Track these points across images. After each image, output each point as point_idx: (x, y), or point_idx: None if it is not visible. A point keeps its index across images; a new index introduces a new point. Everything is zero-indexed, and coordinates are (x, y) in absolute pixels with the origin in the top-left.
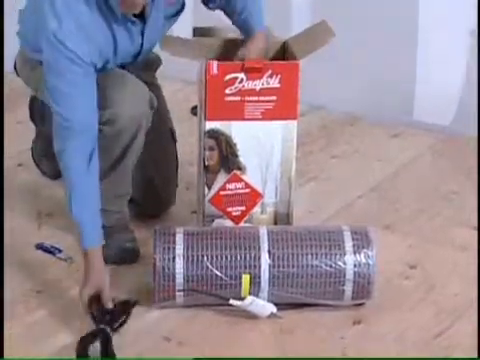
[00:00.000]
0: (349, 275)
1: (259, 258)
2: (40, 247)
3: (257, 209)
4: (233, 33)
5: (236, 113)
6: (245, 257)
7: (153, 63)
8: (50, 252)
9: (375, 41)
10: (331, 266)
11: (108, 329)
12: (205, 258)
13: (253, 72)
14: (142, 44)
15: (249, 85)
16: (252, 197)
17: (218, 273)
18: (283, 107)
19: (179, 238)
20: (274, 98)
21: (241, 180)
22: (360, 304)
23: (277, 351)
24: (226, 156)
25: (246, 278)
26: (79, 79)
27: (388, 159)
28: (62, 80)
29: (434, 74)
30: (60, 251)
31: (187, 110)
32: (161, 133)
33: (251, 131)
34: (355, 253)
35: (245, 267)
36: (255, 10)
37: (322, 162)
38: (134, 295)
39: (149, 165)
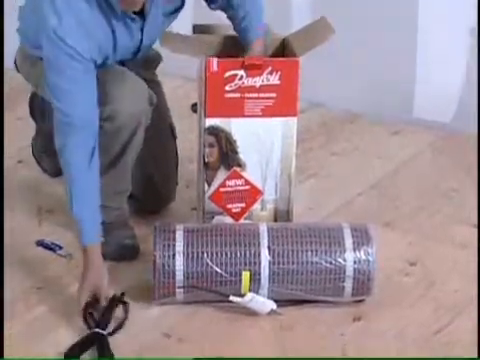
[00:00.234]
0: (349, 272)
1: (259, 255)
2: (40, 244)
3: (257, 206)
4: (233, 30)
5: (236, 110)
6: (245, 254)
7: (153, 60)
8: (50, 249)
9: (375, 38)
10: (331, 263)
11: (102, 332)
12: (205, 255)
13: (253, 69)
14: (141, 41)
15: (249, 82)
16: (252, 194)
17: (218, 270)
18: (283, 104)
19: (179, 235)
20: (274, 95)
21: (241, 177)
22: (360, 301)
23: (277, 348)
24: (226, 153)
25: (246, 275)
26: (79, 75)
27: (388, 156)
28: (62, 77)
29: (434, 72)
30: (60, 248)
31: (187, 107)
32: (161, 130)
33: (251, 128)
34: (355, 250)
35: (245, 264)
36: (256, 19)
37: (322, 159)
38: (134, 292)
39: (149, 161)
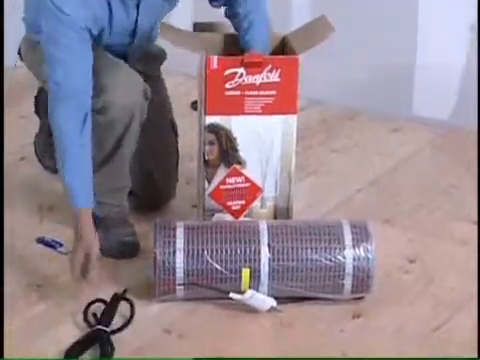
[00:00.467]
0: (349, 269)
1: (259, 252)
2: (41, 241)
3: (257, 203)
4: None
5: (236, 108)
6: (245, 251)
7: (158, 56)
8: (51, 246)
9: (375, 36)
10: (331, 260)
11: (105, 329)
12: (205, 252)
13: (253, 67)
14: (137, 20)
15: (249, 80)
16: (252, 191)
17: (218, 267)
18: (283, 101)
19: (179, 232)
20: (274, 93)
21: (241, 174)
22: (359, 298)
23: (277, 344)
24: (226, 150)
25: (246, 272)
26: (74, 45)
27: (388, 153)
28: (58, 46)
29: (433, 69)
30: (61, 245)
31: (188, 105)
32: (162, 126)
33: (251, 126)
34: (355, 247)
35: (245, 261)
36: (260, 39)
37: (322, 156)
38: (134, 289)
39: (149, 158)
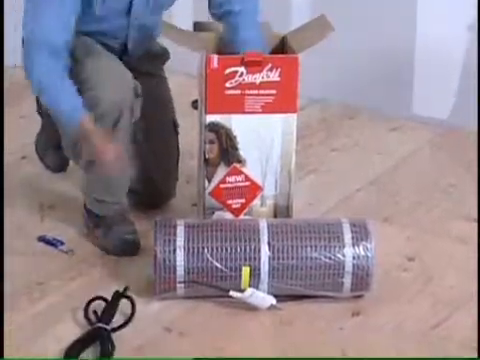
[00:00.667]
0: (348, 267)
1: (259, 250)
2: (42, 239)
3: (257, 202)
4: None
5: (236, 106)
6: (245, 249)
7: (161, 55)
8: (52, 244)
9: (374, 35)
10: (330, 258)
11: (105, 327)
12: (205, 250)
13: (253, 66)
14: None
15: (249, 79)
16: (252, 190)
17: (218, 265)
18: (283, 100)
19: (180, 230)
20: (274, 91)
21: (241, 173)
22: (359, 296)
23: (277, 342)
24: (226, 149)
25: (246, 270)
26: None
27: (387, 152)
28: None
29: (433, 68)
30: (62, 243)
31: (188, 104)
32: (163, 124)
33: (251, 124)
34: (354, 245)
35: (245, 259)
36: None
37: (322, 155)
38: (135, 287)
39: (149, 157)
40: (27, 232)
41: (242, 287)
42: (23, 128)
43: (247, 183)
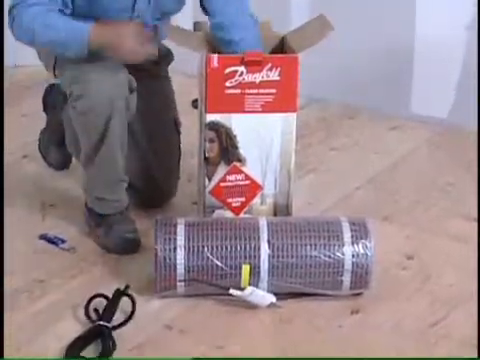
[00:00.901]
0: (347, 265)
1: (259, 248)
2: (44, 238)
3: (257, 200)
4: None
5: (236, 106)
6: (245, 247)
7: (165, 57)
8: (53, 242)
9: (374, 34)
10: (330, 256)
11: (106, 325)
12: (206, 248)
13: (253, 65)
14: None
15: (249, 78)
16: (252, 188)
17: (218, 263)
18: (283, 100)
19: (180, 229)
20: (274, 91)
21: (241, 172)
22: (358, 294)
23: (276, 340)
24: (226, 148)
25: (246, 268)
26: None
27: (386, 151)
28: None
29: (432, 67)
30: (63, 241)
31: (188, 103)
32: (165, 125)
33: (251, 123)
34: (353, 244)
35: (245, 257)
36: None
37: (321, 154)
38: (136, 285)
39: (150, 156)
40: (28, 230)
41: (242, 285)
42: (24, 127)
43: (247, 182)
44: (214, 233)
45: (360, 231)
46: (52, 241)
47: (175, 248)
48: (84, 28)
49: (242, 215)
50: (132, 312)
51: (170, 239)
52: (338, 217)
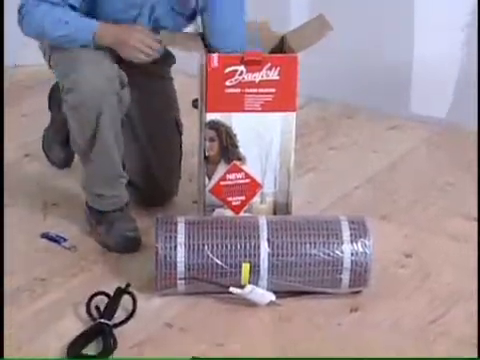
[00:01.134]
0: (346, 264)
1: (259, 247)
2: (45, 236)
3: (257, 199)
4: None
5: (236, 105)
6: (245, 246)
7: (166, 59)
8: (55, 241)
9: (373, 35)
10: (329, 255)
11: (107, 323)
12: (206, 247)
13: (253, 64)
14: None
15: (249, 77)
16: (252, 187)
17: (218, 262)
18: (282, 99)
19: (180, 227)
20: (273, 90)
21: (241, 170)
22: (357, 292)
23: (276, 338)
24: (226, 147)
25: (246, 267)
26: None
27: (385, 151)
28: None
29: (431, 67)
30: (65, 240)
31: (188, 103)
32: (166, 125)
33: (251, 123)
34: (352, 242)
35: (245, 256)
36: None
37: (320, 153)
38: (136, 283)
39: (151, 155)
40: (30, 229)
41: (242, 283)
42: (25, 126)
43: (247, 180)
44: (214, 231)
45: (359, 229)
46: (54, 239)
47: (175, 246)
48: (93, 24)
49: (242, 214)
50: (133, 310)
51: (171, 237)
52: (337, 216)
